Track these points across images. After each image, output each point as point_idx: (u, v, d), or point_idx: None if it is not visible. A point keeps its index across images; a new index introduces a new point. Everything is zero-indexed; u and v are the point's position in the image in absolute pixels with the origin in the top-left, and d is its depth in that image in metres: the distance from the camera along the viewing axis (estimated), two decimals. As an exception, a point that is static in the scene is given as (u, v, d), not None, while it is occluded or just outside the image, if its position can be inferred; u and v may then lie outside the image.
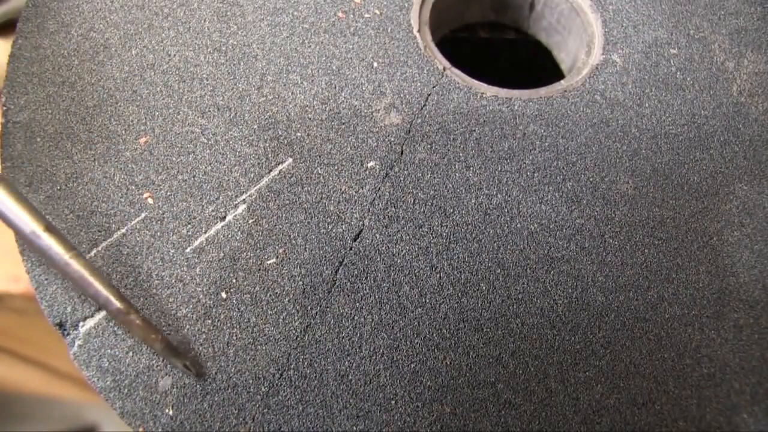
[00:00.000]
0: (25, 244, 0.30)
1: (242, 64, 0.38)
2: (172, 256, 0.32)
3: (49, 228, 0.29)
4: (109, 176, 0.34)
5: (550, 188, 0.35)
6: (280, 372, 0.30)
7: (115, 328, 0.31)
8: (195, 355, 0.30)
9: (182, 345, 0.30)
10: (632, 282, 0.33)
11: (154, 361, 0.30)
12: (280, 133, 0.36)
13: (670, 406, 0.31)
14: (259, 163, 0.35)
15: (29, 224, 0.29)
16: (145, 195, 0.34)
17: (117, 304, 0.29)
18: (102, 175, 0.34)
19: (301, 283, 0.32)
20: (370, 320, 0.31)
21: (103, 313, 0.31)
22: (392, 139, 0.36)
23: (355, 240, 0.33)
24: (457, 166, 0.36)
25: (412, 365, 0.31)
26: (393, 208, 0.34)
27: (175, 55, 0.38)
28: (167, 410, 0.29)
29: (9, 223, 0.29)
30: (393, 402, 0.30)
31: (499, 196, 0.35)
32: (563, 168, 0.36)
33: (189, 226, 0.33)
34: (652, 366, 0.31)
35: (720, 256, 0.34)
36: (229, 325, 0.31)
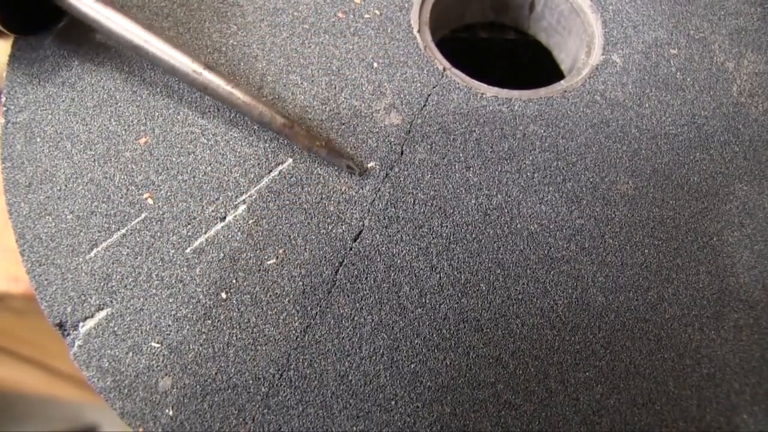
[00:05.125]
0: (189, 82, 0.34)
1: (242, 64, 0.38)
2: (172, 256, 0.32)
3: (208, 66, 0.34)
4: (109, 176, 0.34)
5: (550, 188, 0.35)
6: (280, 372, 0.30)
7: (115, 329, 0.31)
8: (354, 156, 0.35)
9: (343, 149, 0.35)
10: (632, 282, 0.33)
11: (154, 362, 0.30)
12: (280, 133, 0.36)
13: (670, 407, 0.31)
14: (259, 163, 0.35)
15: (190, 65, 0.33)
16: (145, 195, 0.34)
17: (281, 119, 0.34)
18: (102, 175, 0.34)
19: (301, 283, 0.32)
20: (370, 320, 0.31)
21: (103, 313, 0.31)
22: (392, 140, 0.36)
23: (355, 240, 0.33)
24: (457, 167, 0.36)
25: (412, 365, 0.31)
26: (393, 209, 0.34)
27: (175, 55, 0.38)
28: (167, 410, 0.29)
29: (172, 69, 0.34)
30: (393, 402, 0.30)
31: (499, 196, 0.35)
32: (563, 168, 0.36)
33: (189, 226, 0.33)
34: (652, 366, 0.31)
35: (720, 256, 0.34)
36: (229, 325, 0.31)
